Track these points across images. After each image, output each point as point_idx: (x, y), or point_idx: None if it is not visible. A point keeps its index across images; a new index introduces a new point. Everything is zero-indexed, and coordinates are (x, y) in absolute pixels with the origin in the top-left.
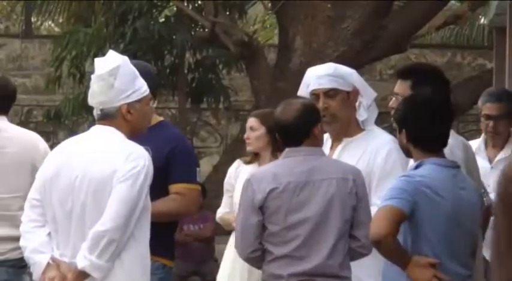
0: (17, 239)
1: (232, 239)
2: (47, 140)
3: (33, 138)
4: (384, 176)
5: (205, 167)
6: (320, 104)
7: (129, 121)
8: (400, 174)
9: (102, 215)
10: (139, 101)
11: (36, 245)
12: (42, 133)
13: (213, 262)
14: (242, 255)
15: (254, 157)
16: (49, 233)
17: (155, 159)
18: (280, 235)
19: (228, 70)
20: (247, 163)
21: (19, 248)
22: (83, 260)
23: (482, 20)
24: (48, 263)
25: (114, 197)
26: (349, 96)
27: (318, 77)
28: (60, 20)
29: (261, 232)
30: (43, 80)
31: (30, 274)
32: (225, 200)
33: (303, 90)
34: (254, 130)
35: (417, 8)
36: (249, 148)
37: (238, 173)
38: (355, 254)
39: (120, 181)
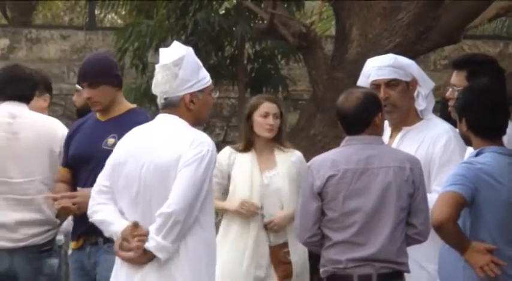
0: (38, 223)
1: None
2: None
3: (50, 124)
4: (443, 164)
5: None
6: (381, 94)
7: (191, 110)
8: (459, 161)
9: (167, 199)
10: (201, 91)
11: (110, 213)
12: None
13: None
14: (301, 239)
15: (248, 145)
16: (118, 211)
17: None
18: (338, 221)
19: (286, 61)
20: (242, 151)
21: (42, 233)
22: (150, 241)
23: None
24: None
25: (179, 181)
26: (409, 87)
27: (378, 68)
28: (123, 13)
29: (320, 218)
30: None
31: (59, 254)
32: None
33: (363, 81)
34: (277, 118)
35: (469, 0)
36: (268, 135)
37: (233, 161)
38: (411, 241)
39: (185, 165)
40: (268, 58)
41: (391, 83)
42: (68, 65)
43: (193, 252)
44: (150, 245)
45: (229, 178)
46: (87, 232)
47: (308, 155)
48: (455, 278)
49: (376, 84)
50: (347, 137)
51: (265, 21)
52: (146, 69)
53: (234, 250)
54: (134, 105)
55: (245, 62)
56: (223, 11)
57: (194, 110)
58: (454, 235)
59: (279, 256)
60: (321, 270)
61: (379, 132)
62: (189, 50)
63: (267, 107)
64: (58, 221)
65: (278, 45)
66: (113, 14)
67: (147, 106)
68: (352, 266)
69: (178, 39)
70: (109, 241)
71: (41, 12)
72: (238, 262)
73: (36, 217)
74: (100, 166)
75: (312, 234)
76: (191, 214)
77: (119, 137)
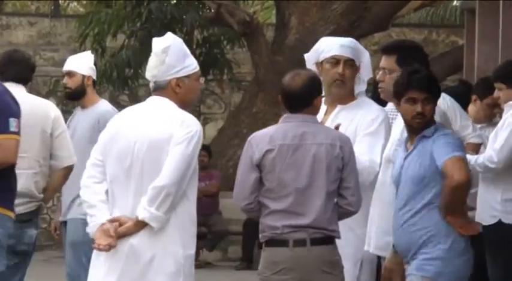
0: (19, 195)
1: None
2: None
3: (44, 106)
4: (367, 134)
5: (211, 131)
6: (340, 69)
7: (177, 93)
8: (384, 138)
9: (158, 173)
10: (187, 76)
11: (94, 202)
12: (68, 101)
13: (218, 215)
14: (240, 206)
15: None
16: (106, 191)
17: None
18: (275, 191)
19: (231, 46)
20: None
21: (22, 204)
22: (143, 211)
23: (454, 2)
24: (101, 226)
25: (171, 157)
26: (357, 70)
27: (341, 45)
28: (84, 2)
29: (257, 188)
30: (69, 54)
31: (37, 226)
32: None
33: (311, 55)
34: None
35: None
36: None
37: None
38: (344, 211)
39: (177, 143)
40: (215, 43)
41: (348, 62)
42: (35, 49)
43: (181, 221)
44: (144, 215)
45: None
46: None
47: (250, 131)
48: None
49: (336, 59)
50: (285, 115)
51: (213, 10)
52: (105, 53)
53: None
54: None
55: (194, 47)
56: (175, 1)
57: (180, 94)
58: (466, 194)
59: None
60: (260, 235)
61: (316, 112)
62: (176, 40)
63: None
64: (41, 196)
65: (224, 32)
66: (75, 3)
67: (104, 86)
68: (288, 232)
69: (134, 27)
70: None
71: (10, 1)
72: None
73: (21, 190)
74: None
75: (250, 202)
76: (181, 188)
77: None
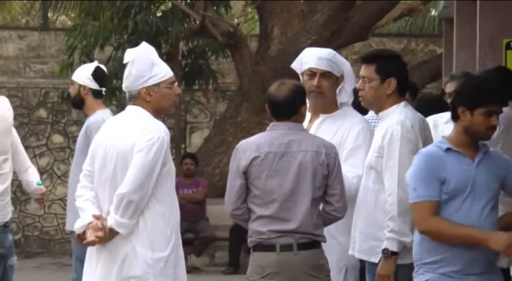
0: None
1: None
2: (62, 117)
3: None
4: (354, 148)
5: (197, 140)
6: (315, 82)
7: (149, 101)
8: (367, 149)
9: None
10: (157, 85)
11: (85, 207)
12: (58, 111)
13: (205, 221)
14: (228, 211)
15: None
16: (95, 196)
17: None
18: (261, 197)
19: (216, 57)
20: None
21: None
22: (110, 219)
23: (433, 12)
24: (91, 223)
25: (132, 165)
26: (338, 81)
27: (319, 58)
28: (73, 15)
29: (243, 194)
30: (58, 66)
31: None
32: None
33: (296, 65)
34: None
35: (377, 2)
36: None
37: None
38: (331, 217)
39: (137, 151)
40: (200, 54)
41: (325, 74)
42: (25, 61)
43: (151, 224)
44: (111, 222)
45: None
46: None
47: (235, 140)
48: None
49: (313, 72)
50: (272, 123)
51: (197, 22)
52: None
53: None
54: None
55: (180, 58)
56: (160, 13)
57: (152, 102)
58: None
59: None
60: (248, 240)
61: (302, 120)
62: (142, 50)
63: None
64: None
65: (209, 43)
66: (64, 16)
67: None
68: (275, 237)
69: (121, 39)
70: None
71: (1, 14)
72: None
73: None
74: None
75: (236, 207)
76: (146, 194)
77: None
